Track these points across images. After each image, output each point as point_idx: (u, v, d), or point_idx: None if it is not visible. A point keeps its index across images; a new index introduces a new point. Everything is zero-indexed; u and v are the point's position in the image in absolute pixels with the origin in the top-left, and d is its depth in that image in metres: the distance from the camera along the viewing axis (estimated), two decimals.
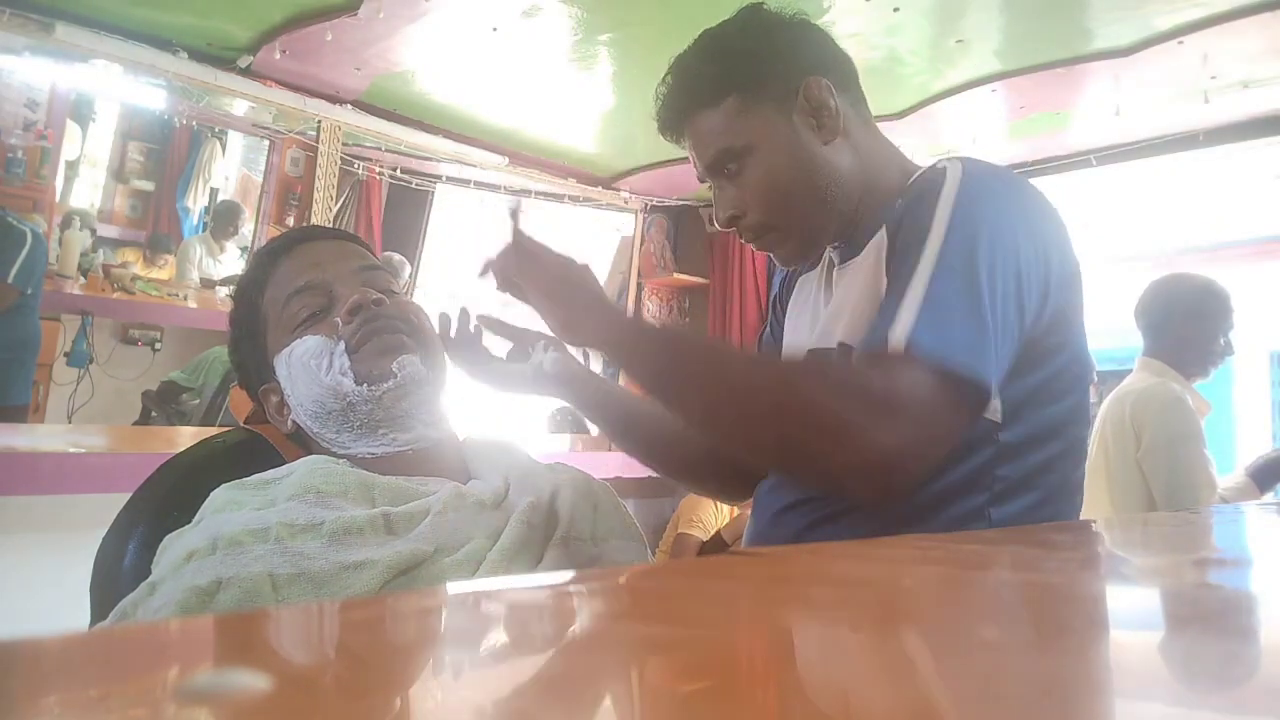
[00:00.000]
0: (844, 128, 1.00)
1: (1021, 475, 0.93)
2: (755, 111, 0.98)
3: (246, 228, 4.12)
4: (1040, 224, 0.93)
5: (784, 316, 1.19)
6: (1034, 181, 1.01)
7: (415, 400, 0.87)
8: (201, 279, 4.05)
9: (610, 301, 0.96)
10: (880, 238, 0.94)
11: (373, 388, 0.85)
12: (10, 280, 2.83)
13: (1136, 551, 0.73)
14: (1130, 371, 2.35)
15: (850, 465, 0.78)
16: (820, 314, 1.07)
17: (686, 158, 1.07)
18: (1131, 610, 0.45)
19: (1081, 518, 1.09)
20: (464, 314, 1.15)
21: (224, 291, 3.84)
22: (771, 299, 1.25)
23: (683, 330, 1.04)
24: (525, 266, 0.97)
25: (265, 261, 0.95)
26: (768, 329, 1.25)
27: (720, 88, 0.99)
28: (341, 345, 0.86)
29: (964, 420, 0.82)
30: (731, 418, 0.86)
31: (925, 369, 0.79)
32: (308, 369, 0.86)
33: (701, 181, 1.06)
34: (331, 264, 0.92)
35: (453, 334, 1.12)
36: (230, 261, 4.14)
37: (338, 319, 0.88)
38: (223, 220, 4.23)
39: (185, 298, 3.88)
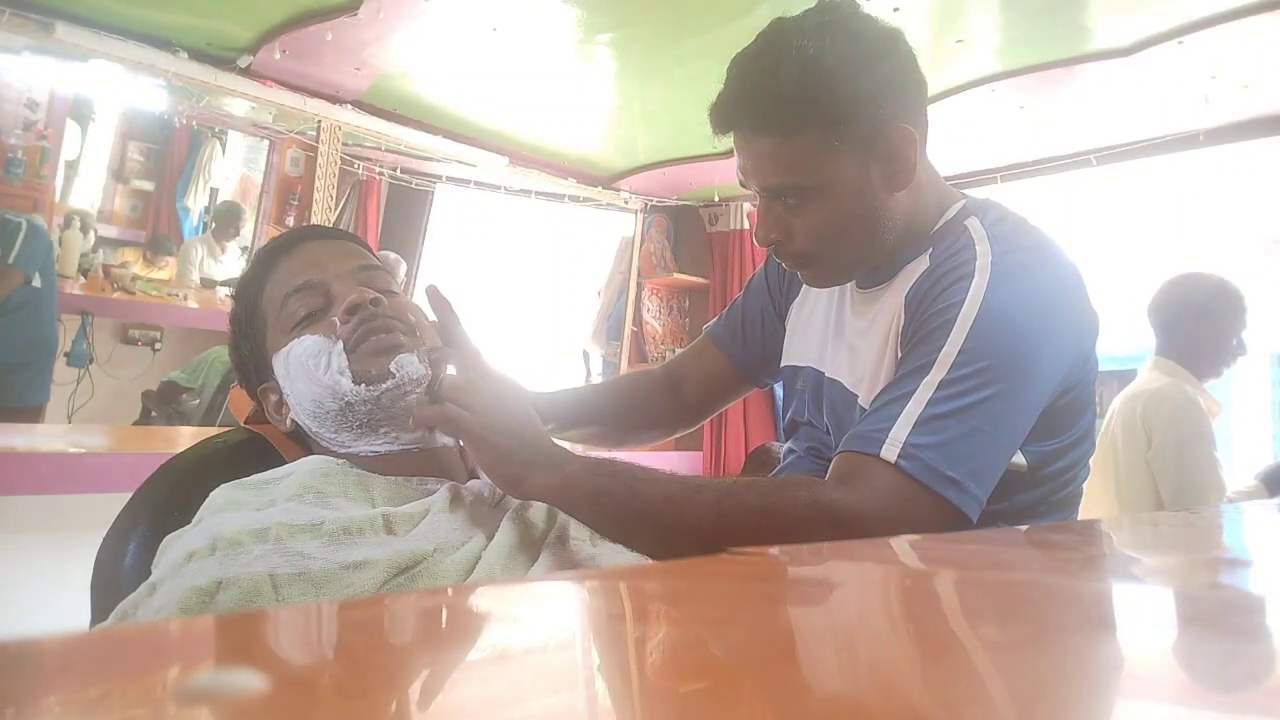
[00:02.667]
0: (910, 180, 0.95)
1: (1037, 499, 0.96)
2: (834, 152, 0.91)
3: (247, 228, 4.13)
4: (1063, 315, 0.92)
5: (786, 302, 1.18)
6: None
7: (414, 400, 0.87)
8: (202, 279, 4.05)
9: (551, 449, 0.83)
10: (904, 287, 0.95)
11: (371, 387, 0.85)
12: (11, 262, 2.82)
13: (1136, 552, 0.73)
14: (1130, 371, 2.35)
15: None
16: (830, 333, 1.06)
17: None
18: (1130, 610, 0.45)
19: (1090, 517, 1.11)
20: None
21: (224, 292, 3.84)
22: (770, 284, 1.22)
23: (625, 475, 0.82)
24: (461, 394, 0.81)
25: (265, 261, 0.95)
26: (755, 299, 1.23)
27: (804, 119, 0.90)
28: (339, 345, 0.86)
29: (939, 527, 0.82)
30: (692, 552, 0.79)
31: (908, 485, 0.80)
32: (306, 368, 0.86)
33: (742, 185, 0.98)
34: (330, 263, 0.92)
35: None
36: (231, 262, 4.14)
37: (335, 318, 0.88)
38: (224, 221, 4.24)
39: (185, 298, 3.88)
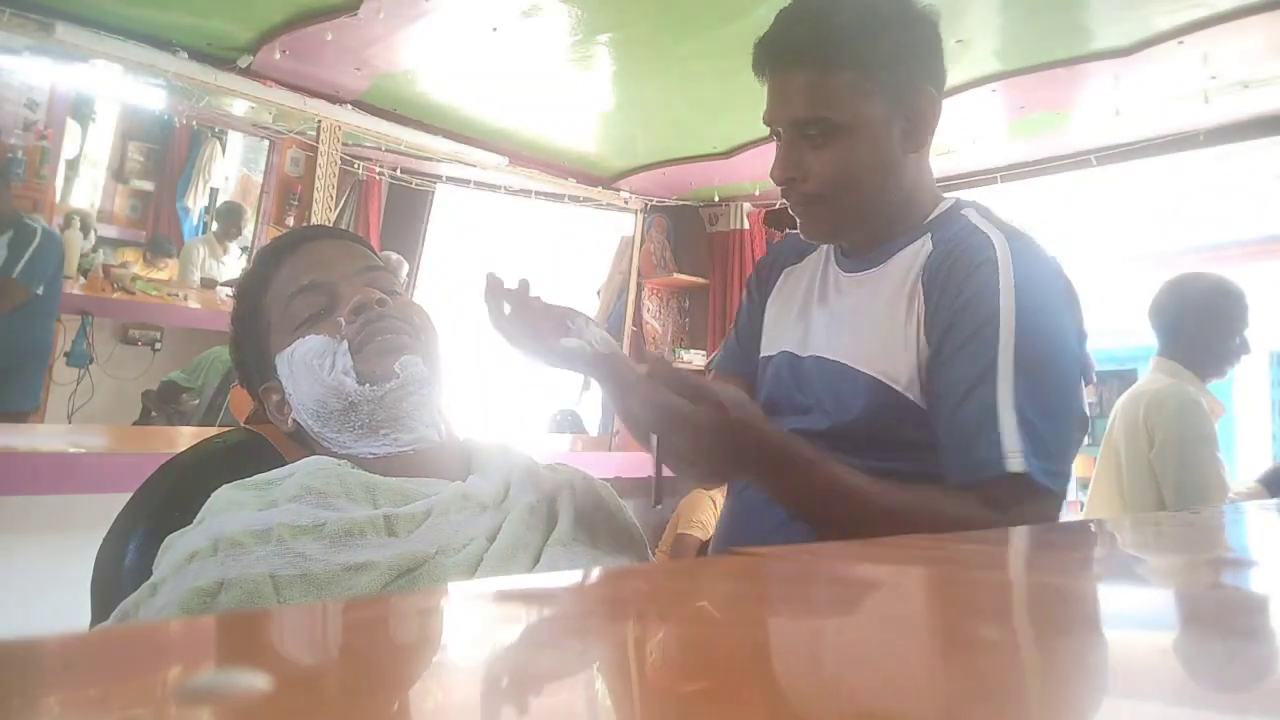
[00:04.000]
0: (925, 146, 1.03)
1: None
2: (867, 96, 0.97)
3: (248, 227, 4.12)
4: (1071, 299, 1.00)
5: (763, 300, 1.20)
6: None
7: (417, 401, 0.87)
8: (203, 279, 4.05)
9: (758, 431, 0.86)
10: (908, 267, 1.00)
11: (375, 388, 0.85)
12: (15, 276, 2.81)
13: (1136, 551, 0.73)
14: (1131, 371, 2.35)
15: None
16: (815, 315, 1.09)
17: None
18: (1129, 610, 0.45)
19: (1094, 517, 1.16)
20: (524, 285, 1.09)
21: (225, 292, 3.84)
22: (753, 292, 1.24)
23: (818, 467, 0.87)
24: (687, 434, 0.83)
25: (268, 260, 0.95)
26: (743, 312, 1.24)
27: (845, 57, 0.96)
28: (344, 345, 0.86)
29: (1054, 515, 0.92)
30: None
31: (1036, 497, 0.88)
32: (310, 368, 0.86)
33: (767, 123, 1.03)
34: (335, 264, 0.92)
35: (505, 309, 1.06)
36: (233, 262, 4.14)
37: (340, 318, 0.88)
38: (226, 221, 4.23)
39: (185, 298, 3.88)
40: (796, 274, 1.16)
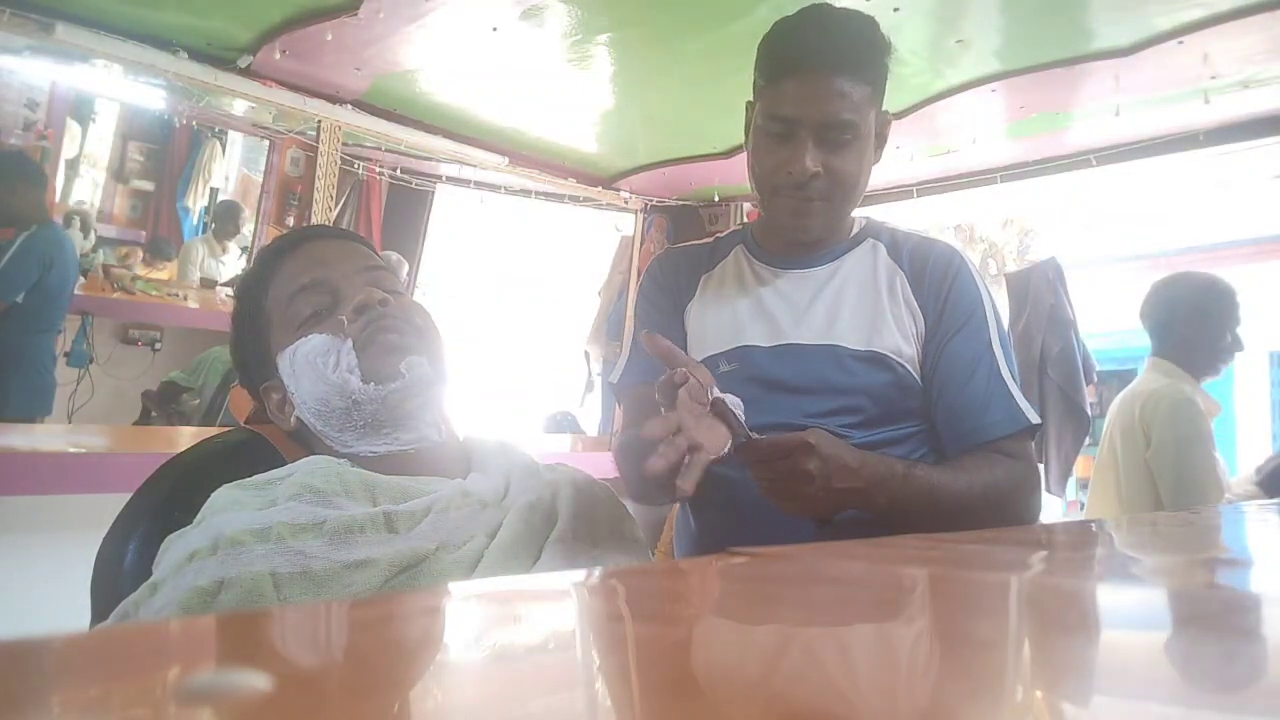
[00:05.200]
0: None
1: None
2: (870, 111, 1.09)
3: (247, 227, 4.12)
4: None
5: (678, 310, 1.24)
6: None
7: (420, 401, 0.87)
8: (202, 279, 4.05)
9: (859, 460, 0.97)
10: (870, 262, 1.15)
11: (379, 387, 0.85)
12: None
13: (1134, 552, 0.73)
14: (1130, 371, 2.36)
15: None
16: (773, 309, 1.16)
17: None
18: (1129, 610, 0.45)
19: (1091, 517, 1.26)
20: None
21: (226, 293, 3.84)
22: (660, 298, 1.26)
23: (905, 480, 1.01)
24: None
25: (270, 259, 0.95)
26: (651, 324, 1.24)
27: (869, 71, 1.08)
28: (348, 343, 0.87)
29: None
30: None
31: (1030, 441, 1.12)
32: (314, 366, 0.86)
33: (783, 120, 1.07)
34: (337, 263, 0.92)
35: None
36: (232, 261, 4.14)
37: (343, 318, 0.88)
38: (224, 220, 4.23)
39: (185, 298, 3.88)
40: (718, 278, 1.23)
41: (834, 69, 1.06)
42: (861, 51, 1.07)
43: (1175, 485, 2.08)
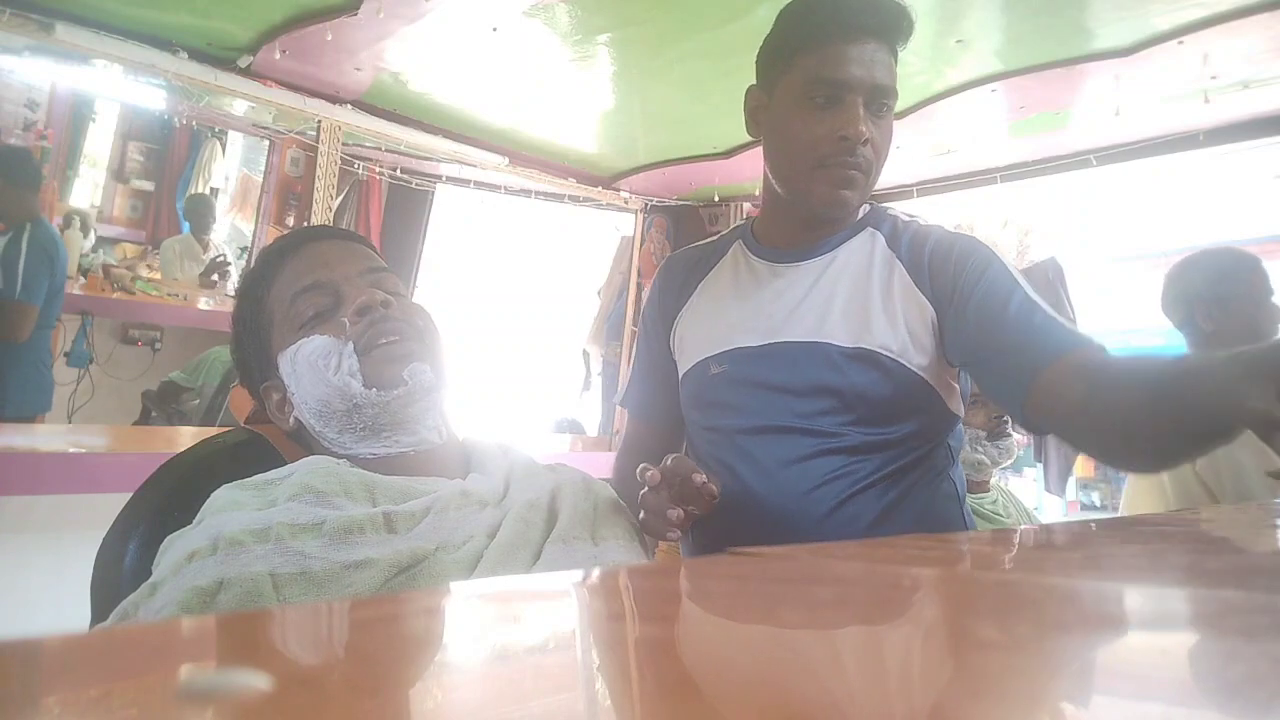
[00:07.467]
0: None
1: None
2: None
3: (238, 221, 4.09)
4: None
5: (666, 326, 1.25)
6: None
7: (422, 406, 0.87)
8: (201, 279, 4.04)
9: None
10: (866, 253, 1.12)
11: (381, 393, 0.85)
12: (18, 296, 2.73)
13: (1137, 552, 0.73)
14: None
15: None
16: (766, 306, 1.14)
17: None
18: (1128, 609, 0.45)
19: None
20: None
21: (228, 289, 3.83)
22: (658, 314, 1.28)
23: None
24: None
25: (272, 259, 0.95)
26: (650, 351, 1.28)
27: (900, 46, 1.09)
28: (350, 346, 0.86)
29: None
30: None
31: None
32: (315, 368, 0.86)
33: (841, 85, 1.06)
34: (339, 264, 0.92)
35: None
36: (207, 260, 4.06)
37: (345, 319, 0.88)
38: (195, 215, 4.16)
39: (185, 298, 3.87)
40: (714, 279, 1.22)
41: (879, 34, 1.06)
42: (903, 22, 1.08)
43: (1218, 477, 1.98)
